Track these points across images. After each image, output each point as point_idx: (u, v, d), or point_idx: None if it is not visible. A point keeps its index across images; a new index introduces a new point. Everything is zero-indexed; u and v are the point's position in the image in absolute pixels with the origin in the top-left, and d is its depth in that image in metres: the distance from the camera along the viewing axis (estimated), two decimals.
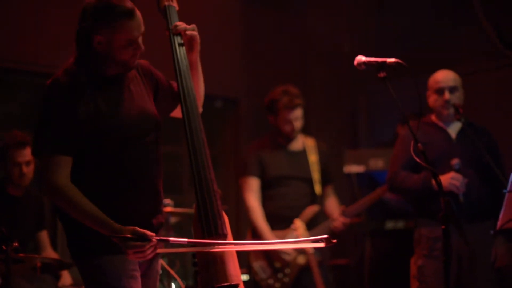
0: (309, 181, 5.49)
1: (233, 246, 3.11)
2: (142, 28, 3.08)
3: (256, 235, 5.36)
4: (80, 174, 3.09)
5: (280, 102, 5.44)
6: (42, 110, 3.07)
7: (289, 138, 5.53)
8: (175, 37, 3.32)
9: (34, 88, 6.23)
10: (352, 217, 5.55)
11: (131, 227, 2.92)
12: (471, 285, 4.58)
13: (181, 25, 3.32)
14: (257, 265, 5.34)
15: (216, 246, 2.99)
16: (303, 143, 5.60)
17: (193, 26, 3.35)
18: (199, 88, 3.45)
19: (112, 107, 3.10)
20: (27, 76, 6.09)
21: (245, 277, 5.48)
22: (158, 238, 2.92)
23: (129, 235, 2.88)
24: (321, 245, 2.96)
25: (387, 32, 7.42)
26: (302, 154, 5.56)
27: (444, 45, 6.97)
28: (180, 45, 3.32)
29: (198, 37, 3.35)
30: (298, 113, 5.45)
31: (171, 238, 2.93)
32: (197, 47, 3.37)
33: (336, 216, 5.46)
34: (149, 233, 2.91)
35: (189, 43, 3.35)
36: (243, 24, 7.20)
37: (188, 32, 3.32)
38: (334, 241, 2.91)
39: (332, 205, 5.61)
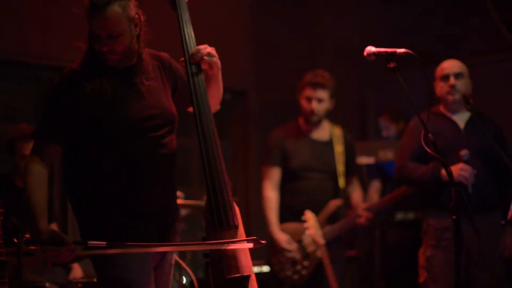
0: (333, 174, 5.36)
1: (156, 248, 3.09)
2: (109, 28, 3.01)
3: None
4: (91, 167, 3.10)
5: (305, 79, 5.31)
6: (47, 96, 3.14)
7: (309, 121, 5.34)
8: (192, 66, 3.27)
9: (41, 81, 6.23)
10: (375, 213, 5.48)
11: (50, 231, 2.97)
12: (479, 275, 4.58)
13: (197, 52, 3.26)
14: (276, 260, 5.32)
15: (146, 248, 2.99)
16: (330, 132, 5.43)
17: (210, 50, 3.28)
18: (219, 96, 3.45)
19: (120, 100, 3.10)
20: (35, 70, 6.09)
21: (265, 269, 5.46)
22: (75, 242, 2.95)
23: (44, 238, 2.93)
24: (250, 245, 2.97)
25: (395, 24, 7.41)
26: (328, 145, 5.40)
27: (452, 38, 6.95)
28: (197, 73, 3.26)
29: (217, 62, 3.32)
30: (320, 94, 5.26)
31: (89, 242, 2.92)
32: (217, 67, 3.33)
33: (360, 212, 5.39)
34: (66, 237, 2.94)
35: (209, 66, 3.32)
36: (251, 16, 7.19)
37: (206, 58, 3.27)
38: (263, 242, 2.93)
39: (358, 198, 5.55)
